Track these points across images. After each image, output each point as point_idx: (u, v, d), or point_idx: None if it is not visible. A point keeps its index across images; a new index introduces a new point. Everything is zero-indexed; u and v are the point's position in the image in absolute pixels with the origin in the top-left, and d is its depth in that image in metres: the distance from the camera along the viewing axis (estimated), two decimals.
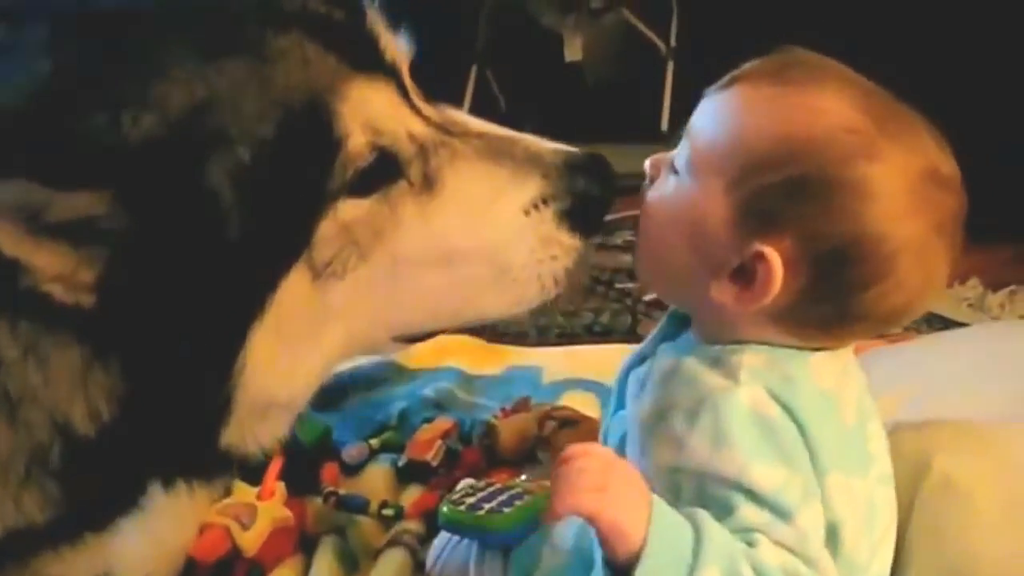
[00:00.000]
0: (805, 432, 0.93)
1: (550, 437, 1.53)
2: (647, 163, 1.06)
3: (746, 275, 0.95)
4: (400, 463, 1.56)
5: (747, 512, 0.89)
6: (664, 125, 3.21)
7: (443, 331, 1.05)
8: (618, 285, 2.46)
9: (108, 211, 0.79)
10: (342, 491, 1.47)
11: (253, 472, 1.41)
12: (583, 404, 1.69)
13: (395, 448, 1.60)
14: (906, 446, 1.09)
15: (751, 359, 0.96)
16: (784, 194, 0.93)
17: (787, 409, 0.93)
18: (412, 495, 1.49)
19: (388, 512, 1.43)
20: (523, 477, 1.33)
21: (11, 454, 0.85)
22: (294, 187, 0.86)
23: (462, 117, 1.01)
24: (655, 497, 0.87)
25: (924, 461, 1.10)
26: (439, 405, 1.76)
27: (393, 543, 1.38)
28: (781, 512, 0.90)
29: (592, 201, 1.00)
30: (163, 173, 0.80)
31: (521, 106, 3.25)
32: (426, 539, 1.36)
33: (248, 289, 0.86)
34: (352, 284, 0.91)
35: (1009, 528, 1.07)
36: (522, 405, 1.67)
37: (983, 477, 1.10)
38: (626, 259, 2.41)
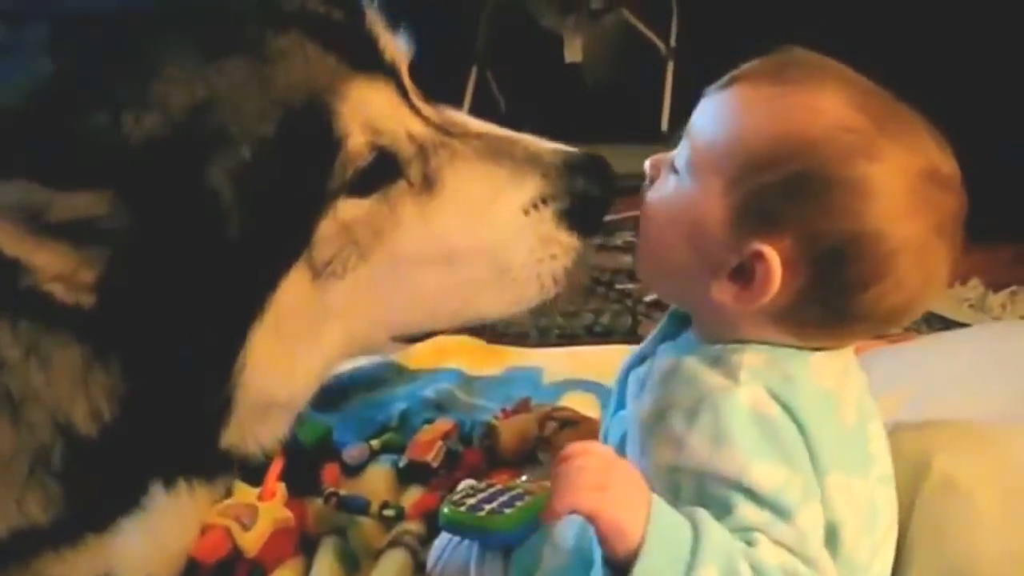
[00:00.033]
0: (805, 432, 0.93)
1: (550, 438, 1.54)
2: (647, 164, 1.06)
3: (745, 274, 0.95)
4: (401, 464, 1.56)
5: (746, 511, 0.89)
6: (664, 125, 3.21)
7: (442, 331, 1.05)
8: (618, 286, 2.45)
9: (109, 211, 0.79)
10: (343, 492, 1.47)
11: (254, 473, 1.41)
12: (583, 405, 1.69)
13: (396, 449, 1.60)
14: (907, 446, 1.09)
15: (751, 359, 0.96)
16: (783, 193, 0.93)
17: (787, 409, 0.93)
18: (413, 496, 1.50)
19: (389, 513, 1.43)
20: (524, 478, 1.33)
21: (14, 454, 0.85)
22: (294, 187, 0.86)
23: (461, 118, 1.01)
24: (654, 496, 0.87)
25: (925, 461, 1.10)
26: (439, 406, 1.76)
27: (394, 544, 1.38)
28: (781, 512, 0.90)
29: (591, 201, 1.00)
30: (164, 173, 0.81)
31: (521, 107, 3.25)
32: (427, 540, 1.36)
33: (248, 289, 0.86)
34: (352, 284, 0.91)
35: (1009, 528, 1.07)
36: (522, 406, 1.67)
37: (984, 477, 1.10)
38: (626, 260, 2.42)
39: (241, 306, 0.86)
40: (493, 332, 1.99)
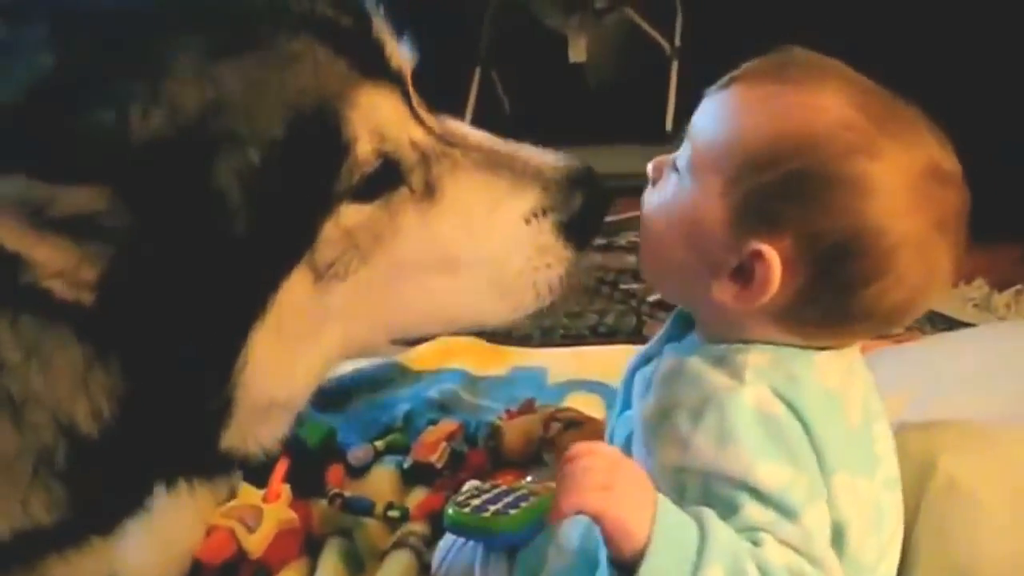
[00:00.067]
0: (810, 431, 0.93)
1: (555, 438, 1.53)
2: (649, 166, 1.06)
3: (745, 274, 0.95)
4: (405, 465, 1.56)
5: (752, 511, 0.89)
6: (669, 125, 3.21)
7: (440, 336, 1.07)
8: (623, 286, 2.45)
9: (108, 207, 0.79)
10: (347, 493, 1.47)
11: (258, 474, 1.42)
12: (588, 405, 1.69)
13: (400, 450, 1.60)
14: (912, 446, 1.09)
15: (756, 358, 0.96)
16: (783, 192, 0.93)
17: (792, 408, 0.93)
18: (417, 497, 1.50)
19: (393, 514, 1.43)
20: (528, 479, 1.33)
21: (17, 455, 0.85)
22: (301, 189, 0.86)
23: (462, 129, 1.02)
24: (660, 496, 0.87)
25: (930, 461, 1.09)
26: (444, 407, 1.76)
27: (398, 545, 1.38)
28: (786, 511, 0.89)
29: (589, 214, 1.01)
30: (170, 171, 0.80)
31: (525, 107, 3.26)
32: (431, 541, 1.36)
33: (251, 289, 0.86)
34: (352, 287, 0.91)
35: (1015, 528, 1.07)
36: (527, 406, 1.67)
37: (989, 477, 1.10)
38: (631, 260, 2.42)
39: (243, 306, 0.86)
40: (497, 333, 1.99)
